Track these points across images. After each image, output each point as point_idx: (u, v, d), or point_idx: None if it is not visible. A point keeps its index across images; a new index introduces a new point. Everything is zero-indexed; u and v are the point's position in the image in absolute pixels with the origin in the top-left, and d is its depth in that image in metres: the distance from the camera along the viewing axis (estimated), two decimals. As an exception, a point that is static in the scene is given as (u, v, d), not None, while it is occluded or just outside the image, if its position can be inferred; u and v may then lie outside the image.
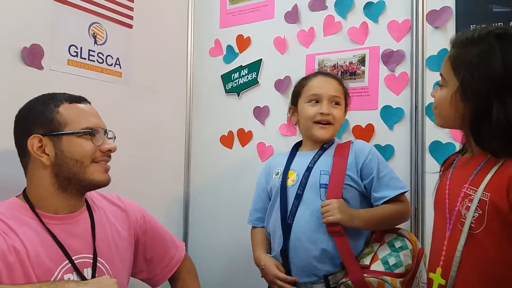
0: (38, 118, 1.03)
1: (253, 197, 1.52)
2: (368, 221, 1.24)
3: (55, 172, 1.03)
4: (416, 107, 1.54)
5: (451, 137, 1.48)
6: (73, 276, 1.00)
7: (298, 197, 1.29)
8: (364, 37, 1.66)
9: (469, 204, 0.88)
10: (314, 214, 1.26)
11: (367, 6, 1.66)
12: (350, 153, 1.32)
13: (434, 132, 1.52)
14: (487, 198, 0.85)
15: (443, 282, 0.89)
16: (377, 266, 1.18)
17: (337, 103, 1.35)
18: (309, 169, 1.31)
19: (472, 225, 0.86)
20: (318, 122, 1.34)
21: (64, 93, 1.10)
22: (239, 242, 1.93)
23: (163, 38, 1.97)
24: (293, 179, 1.33)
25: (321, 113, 1.32)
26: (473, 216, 0.86)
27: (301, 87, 1.41)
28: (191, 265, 1.39)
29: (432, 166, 1.51)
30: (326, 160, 1.32)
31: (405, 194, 1.32)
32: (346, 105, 1.43)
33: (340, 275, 1.24)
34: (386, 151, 1.59)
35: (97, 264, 1.06)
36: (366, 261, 1.19)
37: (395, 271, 1.17)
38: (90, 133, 1.05)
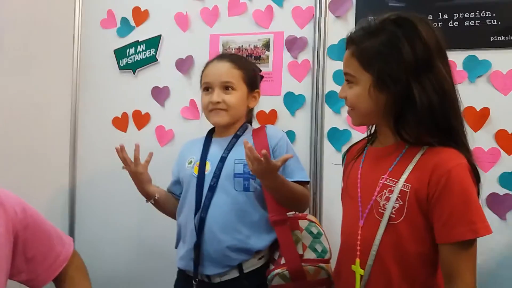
0: None
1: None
2: (280, 184, 1.19)
3: None
4: (317, 94, 1.58)
5: (347, 124, 1.55)
6: None
7: (212, 188, 1.24)
8: (269, 21, 1.65)
9: (389, 195, 0.89)
10: (229, 204, 1.23)
11: (273, -11, 1.64)
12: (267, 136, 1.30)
13: (332, 119, 1.58)
14: (408, 189, 0.88)
15: (362, 272, 0.91)
16: (309, 254, 1.20)
17: (230, 88, 1.29)
18: (222, 159, 1.27)
19: (392, 215, 0.88)
20: (211, 111, 1.30)
21: None
22: (134, 236, 1.83)
23: (46, 3, 1.75)
24: (207, 168, 1.28)
25: (211, 102, 1.28)
26: (393, 207, 0.88)
27: (201, 74, 1.36)
28: (81, 263, 1.25)
29: (330, 152, 1.58)
30: (241, 148, 1.27)
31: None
32: (253, 88, 1.34)
33: (254, 260, 1.24)
34: (288, 137, 1.59)
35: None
36: (299, 250, 1.20)
37: (325, 257, 1.20)
38: None
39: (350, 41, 0.95)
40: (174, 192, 1.40)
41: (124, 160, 1.29)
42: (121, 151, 1.29)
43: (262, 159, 1.07)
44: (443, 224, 0.84)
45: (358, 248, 0.92)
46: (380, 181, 0.92)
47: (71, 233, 1.90)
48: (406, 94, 0.86)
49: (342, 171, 1.12)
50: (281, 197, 1.23)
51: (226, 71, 1.30)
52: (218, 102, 1.27)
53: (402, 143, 0.92)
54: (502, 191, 1.37)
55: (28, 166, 1.67)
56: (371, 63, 0.89)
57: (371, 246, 0.89)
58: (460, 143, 0.89)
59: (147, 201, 1.36)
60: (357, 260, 0.91)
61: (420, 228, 0.87)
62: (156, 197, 1.33)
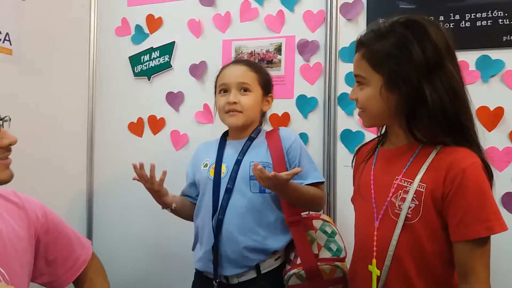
0: None
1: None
2: (292, 191, 1.20)
3: None
4: (329, 97, 1.59)
5: (360, 126, 1.56)
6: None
7: (228, 191, 1.26)
8: (281, 26, 1.66)
9: (404, 196, 0.90)
10: (246, 206, 1.24)
11: (283, -6, 1.66)
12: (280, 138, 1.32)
13: (344, 121, 1.59)
14: (423, 189, 0.88)
15: (378, 272, 0.91)
16: (325, 254, 1.21)
17: (246, 90, 1.31)
18: (238, 162, 1.28)
19: (408, 215, 0.89)
20: (228, 112, 1.31)
21: None
22: (150, 239, 1.84)
23: (62, 13, 1.78)
24: (223, 171, 1.30)
25: (228, 103, 1.29)
26: (409, 207, 0.89)
27: (216, 78, 1.38)
28: (99, 265, 1.27)
29: (343, 154, 1.58)
30: (256, 151, 1.30)
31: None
32: (267, 92, 1.37)
33: (271, 261, 1.25)
34: (301, 139, 1.61)
35: (-9, 271, 0.90)
36: (314, 250, 1.21)
37: (340, 256, 1.22)
38: None
39: (360, 43, 0.96)
40: (189, 195, 1.42)
41: (142, 177, 1.27)
42: (140, 169, 1.27)
43: (272, 177, 1.09)
44: (458, 222, 0.85)
45: (375, 248, 0.92)
46: (394, 182, 0.92)
47: (89, 237, 1.92)
48: (417, 94, 0.87)
49: (353, 172, 1.13)
50: (295, 201, 1.25)
51: (242, 73, 1.32)
52: (235, 103, 1.29)
53: (415, 143, 0.93)
54: (517, 190, 1.37)
55: (46, 172, 1.69)
56: (382, 64, 0.90)
57: (387, 246, 0.90)
58: (472, 142, 0.90)
59: (162, 209, 1.36)
60: (374, 261, 0.92)
61: (436, 227, 0.88)
62: (173, 207, 1.34)
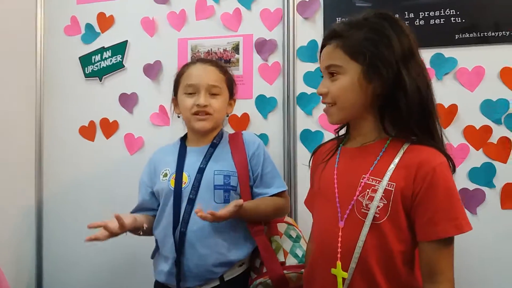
0: None
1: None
2: (251, 213, 1.20)
3: None
4: (288, 97, 1.57)
5: (320, 126, 1.54)
6: None
7: (191, 201, 1.20)
8: (238, 24, 1.63)
9: (372, 194, 0.87)
10: None
11: (240, -9, 1.63)
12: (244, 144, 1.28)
13: (304, 121, 1.57)
14: (392, 188, 0.86)
15: (345, 275, 0.88)
16: (291, 261, 1.19)
17: (216, 94, 1.27)
18: (201, 171, 1.23)
19: (376, 215, 0.87)
20: (196, 114, 1.25)
21: None
22: (105, 248, 1.72)
23: (6, 11, 1.68)
24: (184, 181, 1.23)
25: (198, 105, 1.24)
26: (378, 206, 0.86)
27: (179, 76, 1.32)
28: None
29: (303, 154, 1.56)
30: (219, 158, 1.25)
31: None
32: (233, 94, 1.35)
33: (235, 269, 1.22)
34: (262, 140, 1.58)
35: None
36: (281, 257, 1.19)
37: None
38: None
39: (334, 34, 0.93)
40: (150, 207, 1.31)
41: (111, 231, 1.14)
42: (109, 225, 1.13)
43: (210, 216, 1.08)
44: (428, 220, 0.84)
45: (339, 250, 0.89)
46: (361, 180, 0.90)
47: (39, 248, 1.81)
48: (397, 80, 0.86)
49: (310, 173, 1.10)
50: (256, 219, 1.23)
51: (213, 75, 1.27)
52: (205, 106, 1.24)
53: (381, 141, 0.91)
54: (472, 186, 1.39)
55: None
56: (361, 52, 0.88)
57: (353, 247, 0.87)
58: (437, 135, 0.90)
59: (127, 233, 1.23)
60: (339, 263, 0.89)
61: (402, 227, 0.87)
62: (144, 228, 1.25)
